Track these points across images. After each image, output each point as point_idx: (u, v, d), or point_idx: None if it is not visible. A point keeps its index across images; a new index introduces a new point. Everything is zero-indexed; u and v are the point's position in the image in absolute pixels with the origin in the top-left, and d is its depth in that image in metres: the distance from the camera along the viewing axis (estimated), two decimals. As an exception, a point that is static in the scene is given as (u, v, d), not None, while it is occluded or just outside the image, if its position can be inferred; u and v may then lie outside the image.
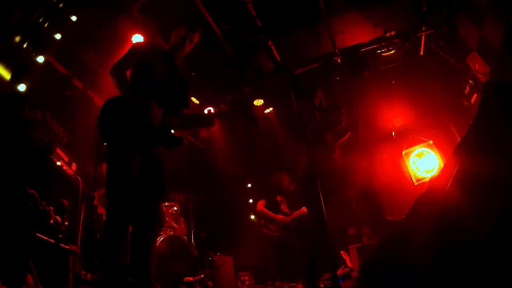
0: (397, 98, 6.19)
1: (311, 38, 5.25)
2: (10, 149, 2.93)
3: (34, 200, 2.63)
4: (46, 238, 2.66)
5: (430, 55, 5.28)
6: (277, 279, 5.43)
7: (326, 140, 4.06)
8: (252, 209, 7.14)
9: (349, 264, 5.34)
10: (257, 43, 4.77)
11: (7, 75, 3.39)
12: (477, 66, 4.76)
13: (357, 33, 5.19)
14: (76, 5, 3.92)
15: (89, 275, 3.18)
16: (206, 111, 6.28)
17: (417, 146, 6.22)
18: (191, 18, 4.40)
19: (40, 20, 3.56)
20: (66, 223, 3.01)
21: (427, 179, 5.92)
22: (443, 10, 4.59)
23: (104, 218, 4.38)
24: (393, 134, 6.56)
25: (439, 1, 4.48)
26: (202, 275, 3.98)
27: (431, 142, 6.13)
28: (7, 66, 3.38)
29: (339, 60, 5.32)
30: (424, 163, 6.09)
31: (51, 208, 2.84)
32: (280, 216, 5.28)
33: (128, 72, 2.59)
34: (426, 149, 6.14)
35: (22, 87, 3.61)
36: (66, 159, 3.84)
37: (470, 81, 5.16)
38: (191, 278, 3.67)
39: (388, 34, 4.93)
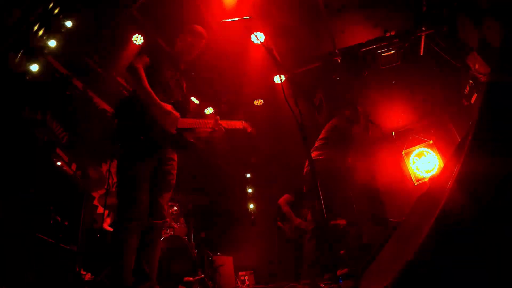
0: (397, 98, 6.19)
1: (311, 38, 5.25)
2: (10, 149, 2.93)
3: (34, 200, 2.63)
4: (46, 238, 2.66)
5: (430, 55, 5.27)
6: (278, 279, 5.42)
7: (352, 135, 4.05)
8: (250, 198, 7.15)
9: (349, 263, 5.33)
10: (256, 43, 4.77)
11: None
12: (477, 66, 4.76)
13: (357, 33, 5.19)
14: (76, 5, 3.92)
15: (89, 275, 3.18)
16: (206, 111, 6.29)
17: (417, 146, 6.21)
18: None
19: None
20: (66, 223, 3.01)
21: (427, 179, 5.92)
22: (443, 10, 4.59)
23: (105, 216, 4.38)
24: (393, 134, 6.56)
25: (439, 1, 4.48)
26: (202, 275, 3.97)
27: (431, 142, 6.13)
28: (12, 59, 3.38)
29: (339, 60, 5.33)
30: (424, 163, 6.08)
31: (51, 208, 2.84)
32: (298, 220, 5.02)
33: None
34: (426, 149, 6.13)
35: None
36: (66, 159, 3.84)
37: (470, 81, 5.16)
38: (191, 278, 3.67)
39: (388, 34, 4.93)
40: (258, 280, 5.88)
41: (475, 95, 5.17)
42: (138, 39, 4.52)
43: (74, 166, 3.91)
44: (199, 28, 2.80)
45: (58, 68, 4.54)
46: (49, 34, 3.82)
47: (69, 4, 3.83)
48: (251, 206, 7.29)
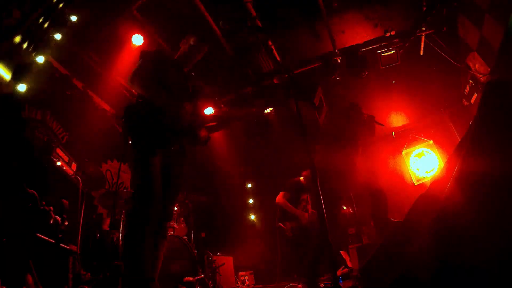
0: (397, 98, 6.19)
1: (311, 38, 5.25)
2: (10, 149, 2.93)
3: (34, 200, 2.63)
4: (46, 238, 2.66)
5: (430, 55, 5.28)
6: (278, 279, 5.41)
7: (357, 136, 4.06)
8: (252, 209, 7.15)
9: (349, 264, 5.33)
10: (257, 43, 4.77)
11: (7, 74, 3.38)
12: (477, 66, 4.76)
13: (357, 33, 5.20)
14: (76, 6, 3.92)
15: (89, 275, 3.18)
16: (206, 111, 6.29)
17: (417, 146, 6.22)
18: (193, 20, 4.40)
19: (40, 20, 3.55)
20: (66, 223, 3.01)
21: (427, 179, 5.93)
22: (443, 10, 4.59)
23: (104, 216, 4.38)
24: (393, 134, 6.56)
25: (439, 1, 4.48)
26: (202, 275, 3.97)
27: (431, 142, 6.13)
28: (7, 66, 3.37)
29: (339, 60, 5.32)
30: (424, 163, 6.09)
31: (51, 208, 2.84)
32: (299, 211, 4.80)
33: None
34: (426, 149, 6.14)
35: (22, 87, 3.61)
36: (66, 159, 3.84)
37: (470, 81, 5.16)
38: (191, 278, 3.67)
39: (388, 34, 4.93)
40: (258, 280, 5.88)
41: (475, 95, 5.17)
42: (138, 39, 4.52)
43: (74, 166, 3.91)
44: (203, 32, 2.84)
45: (58, 68, 4.54)
46: (54, 27, 3.81)
47: (69, 3, 3.83)
48: (251, 203, 7.28)
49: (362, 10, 4.86)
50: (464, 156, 1.27)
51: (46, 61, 4.02)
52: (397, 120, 6.61)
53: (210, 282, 4.14)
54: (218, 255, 5.21)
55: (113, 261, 3.29)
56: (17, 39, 3.38)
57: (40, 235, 2.59)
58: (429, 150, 6.11)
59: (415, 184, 6.07)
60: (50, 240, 2.71)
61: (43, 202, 2.75)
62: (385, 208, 4.51)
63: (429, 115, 6.32)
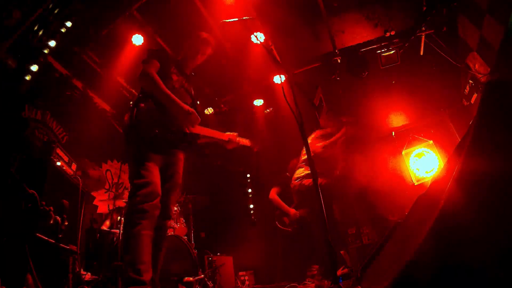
0: (397, 98, 6.19)
1: (311, 38, 5.25)
2: (10, 149, 2.93)
3: (34, 200, 2.63)
4: (46, 238, 2.66)
5: (430, 55, 5.28)
6: (278, 279, 5.42)
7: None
8: (252, 209, 7.14)
9: (349, 264, 5.33)
10: (257, 43, 4.77)
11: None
12: (477, 66, 4.76)
13: (357, 33, 5.20)
14: (76, 5, 3.92)
15: (89, 275, 3.18)
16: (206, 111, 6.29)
17: (417, 146, 6.21)
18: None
19: (40, 19, 3.55)
20: (66, 223, 3.00)
21: (427, 179, 5.92)
22: (443, 10, 4.59)
23: (103, 217, 4.38)
24: (393, 134, 6.56)
25: (439, 1, 4.48)
26: (202, 275, 3.97)
27: (431, 142, 6.13)
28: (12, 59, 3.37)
29: (339, 60, 5.33)
30: (424, 163, 6.08)
31: (51, 208, 2.84)
32: (292, 210, 4.91)
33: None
34: (426, 149, 6.13)
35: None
36: (66, 159, 3.84)
37: (470, 81, 5.16)
38: (191, 278, 3.67)
39: (388, 34, 4.93)
40: (258, 280, 5.88)
41: (475, 95, 5.17)
42: (138, 39, 4.52)
43: (74, 166, 3.91)
44: (206, 35, 2.83)
45: (58, 68, 4.54)
46: (48, 34, 3.82)
47: (69, 3, 3.83)
48: (251, 206, 7.28)
49: (362, 10, 4.87)
50: (464, 156, 1.27)
51: (47, 61, 4.02)
52: (397, 120, 6.60)
53: (210, 282, 4.14)
54: (218, 255, 5.21)
55: (113, 261, 3.29)
56: (18, 38, 3.38)
57: (40, 235, 2.59)
58: (429, 150, 6.10)
59: (415, 184, 6.06)
60: (50, 240, 2.71)
61: (43, 202, 2.75)
62: (381, 208, 4.55)
63: (429, 115, 6.31)
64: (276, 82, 5.65)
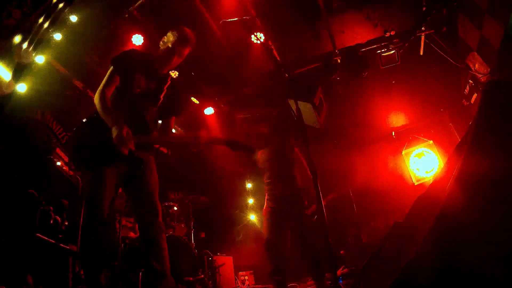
0: (397, 98, 6.19)
1: (311, 38, 5.25)
2: (10, 150, 2.93)
3: (34, 200, 2.63)
4: (46, 238, 2.66)
5: (430, 55, 5.28)
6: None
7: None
8: (252, 208, 7.14)
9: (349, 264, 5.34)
10: (257, 43, 4.77)
11: (8, 73, 3.38)
12: (477, 66, 4.76)
13: (357, 33, 5.20)
14: (76, 6, 3.92)
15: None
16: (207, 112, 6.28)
17: (417, 146, 6.21)
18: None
19: (40, 20, 3.55)
20: (66, 223, 3.01)
21: (427, 179, 5.92)
22: (443, 10, 4.59)
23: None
24: (393, 134, 6.56)
25: (439, 1, 4.48)
26: (202, 275, 3.97)
27: (431, 142, 6.13)
28: (8, 66, 3.37)
29: (339, 60, 5.32)
30: (424, 163, 6.08)
31: (51, 208, 2.84)
32: None
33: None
34: (426, 149, 6.14)
35: (22, 87, 3.61)
36: (66, 159, 3.84)
37: (470, 81, 5.16)
38: (191, 278, 3.67)
39: (388, 34, 4.93)
40: (258, 280, 5.88)
41: (475, 95, 5.17)
42: (138, 39, 4.52)
43: (74, 166, 3.91)
44: (185, 31, 2.44)
45: (58, 68, 4.54)
46: (48, 34, 3.82)
47: (69, 3, 3.83)
48: (251, 200, 7.27)
49: (362, 10, 4.86)
50: (464, 156, 1.27)
51: (46, 61, 4.02)
52: (397, 120, 6.61)
53: (210, 282, 4.14)
54: (218, 255, 5.21)
55: (113, 261, 3.29)
56: (17, 38, 3.38)
57: (40, 235, 2.59)
58: (429, 150, 6.11)
59: (415, 184, 6.06)
60: (50, 240, 2.71)
61: (43, 202, 2.75)
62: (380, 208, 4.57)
63: (429, 115, 6.31)
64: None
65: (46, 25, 3.68)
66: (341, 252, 5.52)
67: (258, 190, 7.43)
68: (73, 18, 3.99)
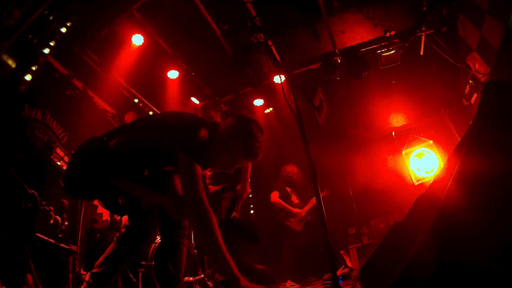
0: (397, 98, 6.19)
1: (311, 38, 5.25)
2: (10, 149, 2.93)
3: (34, 200, 2.63)
4: (46, 238, 2.66)
5: (430, 55, 5.28)
6: (278, 279, 5.41)
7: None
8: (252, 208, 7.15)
9: (349, 264, 5.34)
10: (257, 43, 4.77)
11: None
12: (477, 66, 4.76)
13: (357, 33, 5.20)
14: (76, 5, 3.92)
15: (88, 275, 3.18)
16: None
17: (417, 146, 6.22)
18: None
19: (40, 20, 3.55)
20: (66, 223, 3.01)
21: (427, 179, 5.93)
22: (443, 10, 4.59)
23: (104, 218, 4.39)
24: (393, 134, 6.56)
25: (439, 1, 4.48)
26: (202, 275, 3.97)
27: (431, 142, 6.14)
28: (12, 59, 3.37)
29: (339, 60, 5.33)
30: (424, 163, 6.09)
31: (51, 208, 2.84)
32: (296, 210, 5.29)
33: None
34: (426, 149, 6.14)
35: (28, 77, 3.59)
36: (66, 159, 3.84)
37: (470, 81, 5.17)
38: (191, 278, 3.66)
39: (388, 34, 4.93)
40: (258, 280, 5.87)
41: (475, 95, 5.17)
42: (138, 39, 4.52)
43: (74, 166, 3.91)
44: (258, 151, 2.02)
45: (58, 68, 4.54)
46: (48, 34, 3.82)
47: (69, 3, 3.83)
48: (251, 206, 7.27)
49: (362, 10, 4.86)
50: (464, 156, 1.27)
51: (46, 61, 4.02)
52: (397, 120, 6.61)
53: (210, 282, 4.13)
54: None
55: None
56: (17, 38, 3.39)
57: (40, 235, 2.59)
58: (429, 150, 6.11)
59: (415, 184, 6.07)
60: (50, 240, 2.71)
61: (43, 202, 2.75)
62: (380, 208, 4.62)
63: (429, 115, 6.32)
64: (276, 82, 5.64)
65: (46, 25, 3.68)
66: (341, 252, 5.53)
67: (258, 190, 7.43)
68: (73, 18, 3.98)
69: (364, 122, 6.54)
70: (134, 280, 3.22)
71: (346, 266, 5.26)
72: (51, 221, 2.82)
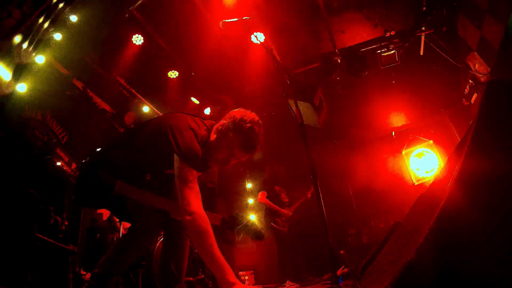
0: (397, 98, 6.19)
1: (311, 38, 5.25)
2: (11, 149, 2.93)
3: (34, 200, 2.63)
4: (46, 238, 2.66)
5: (430, 55, 5.28)
6: (278, 279, 5.42)
7: None
8: (252, 208, 7.15)
9: (348, 264, 5.34)
10: (257, 43, 4.77)
11: (8, 74, 3.38)
12: (477, 66, 4.76)
13: (357, 33, 5.20)
14: (76, 6, 3.92)
15: (89, 275, 3.18)
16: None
17: (417, 146, 6.22)
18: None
19: (40, 20, 3.55)
20: (66, 223, 3.01)
21: (427, 179, 5.93)
22: (443, 10, 4.59)
23: (104, 218, 4.39)
24: (393, 134, 6.56)
25: (439, 1, 4.49)
26: (202, 275, 3.97)
27: (431, 142, 6.14)
28: (8, 66, 3.37)
29: (339, 60, 5.33)
30: (424, 163, 6.09)
31: (51, 208, 2.84)
32: (284, 210, 5.25)
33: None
34: (426, 149, 6.14)
35: (22, 87, 3.60)
36: (66, 159, 3.85)
37: (470, 81, 5.16)
38: (191, 278, 3.66)
39: (388, 34, 4.93)
40: (258, 280, 5.88)
41: (475, 95, 5.17)
42: (138, 39, 4.52)
43: (74, 166, 3.91)
44: (256, 146, 1.99)
45: (58, 68, 4.54)
46: (48, 34, 3.83)
47: (69, 3, 3.83)
48: (251, 200, 7.28)
49: (362, 10, 4.86)
50: (465, 156, 1.27)
51: (46, 61, 4.02)
52: (397, 120, 6.61)
53: (210, 282, 4.13)
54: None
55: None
56: (18, 38, 3.38)
57: (40, 235, 2.59)
58: (429, 150, 6.11)
59: (415, 184, 6.07)
60: (50, 240, 2.71)
61: (43, 202, 2.75)
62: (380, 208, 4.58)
63: (429, 115, 6.32)
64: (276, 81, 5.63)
65: (46, 25, 3.68)
66: (341, 252, 5.52)
67: (258, 190, 7.43)
68: (73, 18, 3.98)
69: (364, 122, 6.54)
70: (134, 280, 3.22)
71: (346, 266, 5.26)
72: (51, 221, 2.82)
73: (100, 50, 4.76)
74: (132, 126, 4.83)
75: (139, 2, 4.15)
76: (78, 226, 3.34)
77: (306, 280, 5.02)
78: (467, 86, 5.30)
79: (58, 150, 3.80)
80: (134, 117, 5.07)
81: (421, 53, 5.35)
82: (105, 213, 4.72)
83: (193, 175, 1.79)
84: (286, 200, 5.48)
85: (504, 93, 1.34)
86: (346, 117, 6.54)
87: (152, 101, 5.80)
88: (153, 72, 5.22)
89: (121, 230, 3.81)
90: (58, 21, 3.85)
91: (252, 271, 5.97)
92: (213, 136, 2.01)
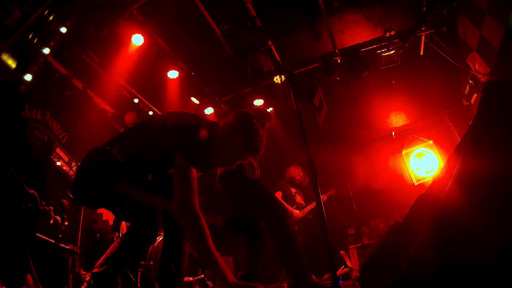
0: (397, 98, 6.19)
1: (311, 38, 5.25)
2: (10, 149, 2.93)
3: (34, 200, 2.63)
4: (46, 238, 2.66)
5: (430, 55, 5.27)
6: (278, 279, 5.42)
7: None
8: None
9: (349, 264, 5.34)
10: (257, 43, 4.77)
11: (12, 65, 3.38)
12: (477, 66, 4.76)
13: (357, 33, 5.19)
14: (76, 5, 3.92)
15: (89, 275, 3.18)
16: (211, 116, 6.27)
17: (417, 146, 6.22)
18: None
19: (45, 13, 3.55)
20: (66, 223, 3.01)
21: (427, 179, 5.93)
22: (443, 10, 4.59)
23: (104, 218, 4.39)
24: (393, 134, 6.56)
25: (439, 1, 4.48)
26: (202, 275, 3.97)
27: (431, 142, 6.14)
28: (12, 59, 3.37)
29: (339, 60, 5.32)
30: (424, 163, 6.09)
31: (51, 208, 2.85)
32: (296, 212, 5.26)
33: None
34: (426, 149, 6.14)
35: (28, 77, 3.60)
36: (66, 159, 3.84)
37: (470, 81, 5.17)
38: (191, 278, 3.67)
39: (388, 34, 4.93)
40: (257, 279, 5.86)
41: (475, 95, 5.18)
42: (138, 39, 4.52)
43: (74, 166, 3.91)
44: (260, 147, 1.96)
45: (58, 68, 4.54)
46: (48, 34, 3.83)
47: (69, 3, 3.83)
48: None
49: (362, 10, 4.86)
50: (464, 156, 1.27)
51: (46, 61, 4.02)
52: (397, 120, 6.61)
53: (210, 282, 4.13)
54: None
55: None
56: (22, 31, 3.38)
57: (40, 235, 2.59)
58: (429, 150, 6.12)
59: (415, 184, 6.07)
60: (50, 240, 2.71)
61: (43, 202, 2.75)
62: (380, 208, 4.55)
63: (429, 115, 6.32)
64: (276, 82, 5.64)
65: (45, 25, 3.68)
66: (341, 252, 5.53)
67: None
68: (73, 18, 3.98)
69: (364, 122, 6.54)
70: (134, 280, 3.22)
71: (346, 266, 5.26)
72: (51, 221, 2.82)
73: (100, 50, 4.76)
74: (132, 125, 4.83)
75: (139, 2, 4.14)
76: (78, 226, 3.34)
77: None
78: (467, 86, 5.31)
79: (58, 150, 3.80)
80: (134, 117, 5.06)
81: (421, 53, 5.35)
82: (105, 213, 4.72)
83: (193, 173, 1.78)
84: (302, 202, 5.46)
85: (503, 93, 1.34)
86: (346, 117, 6.54)
87: (152, 101, 5.81)
88: (153, 72, 5.22)
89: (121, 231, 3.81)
90: (58, 21, 3.85)
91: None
92: (217, 136, 2.00)
